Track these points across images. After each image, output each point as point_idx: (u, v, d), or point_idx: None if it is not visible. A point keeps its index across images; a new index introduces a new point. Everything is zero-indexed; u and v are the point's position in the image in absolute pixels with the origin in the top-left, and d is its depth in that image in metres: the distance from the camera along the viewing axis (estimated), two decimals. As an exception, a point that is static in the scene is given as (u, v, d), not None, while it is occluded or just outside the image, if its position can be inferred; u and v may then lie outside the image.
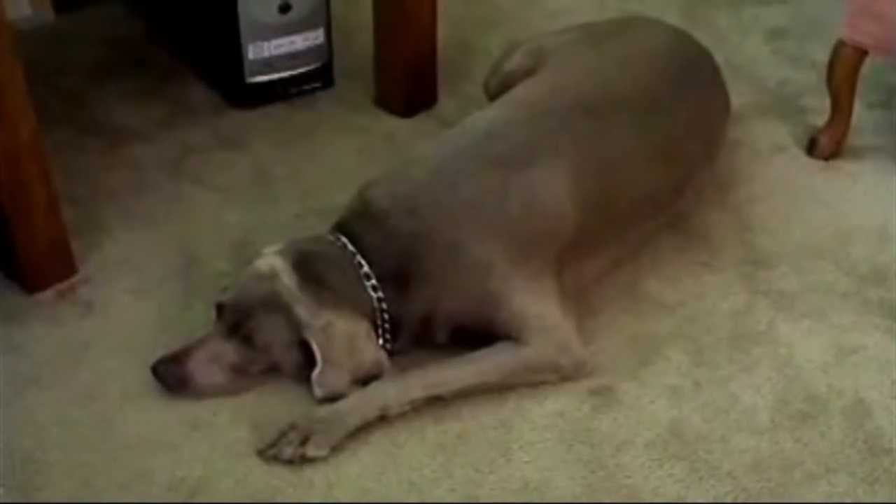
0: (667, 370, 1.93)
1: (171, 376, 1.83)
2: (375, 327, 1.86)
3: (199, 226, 2.24)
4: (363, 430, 1.79)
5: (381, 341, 1.87)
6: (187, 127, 2.52)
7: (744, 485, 1.74)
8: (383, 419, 1.81)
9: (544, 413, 1.84)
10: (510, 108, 2.07)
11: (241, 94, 2.56)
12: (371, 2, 2.50)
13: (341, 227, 1.92)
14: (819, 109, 2.48)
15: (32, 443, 1.79)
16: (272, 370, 1.86)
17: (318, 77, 2.61)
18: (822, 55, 2.41)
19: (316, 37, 2.56)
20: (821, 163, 2.42)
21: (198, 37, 2.63)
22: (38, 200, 2.00)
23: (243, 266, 1.92)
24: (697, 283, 2.10)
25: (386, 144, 2.48)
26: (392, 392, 1.82)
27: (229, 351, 1.83)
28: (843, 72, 2.34)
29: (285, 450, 1.75)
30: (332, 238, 1.91)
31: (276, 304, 1.82)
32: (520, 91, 2.13)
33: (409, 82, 2.53)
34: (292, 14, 2.50)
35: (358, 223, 1.91)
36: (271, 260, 1.87)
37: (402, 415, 1.82)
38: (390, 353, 1.88)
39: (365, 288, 1.85)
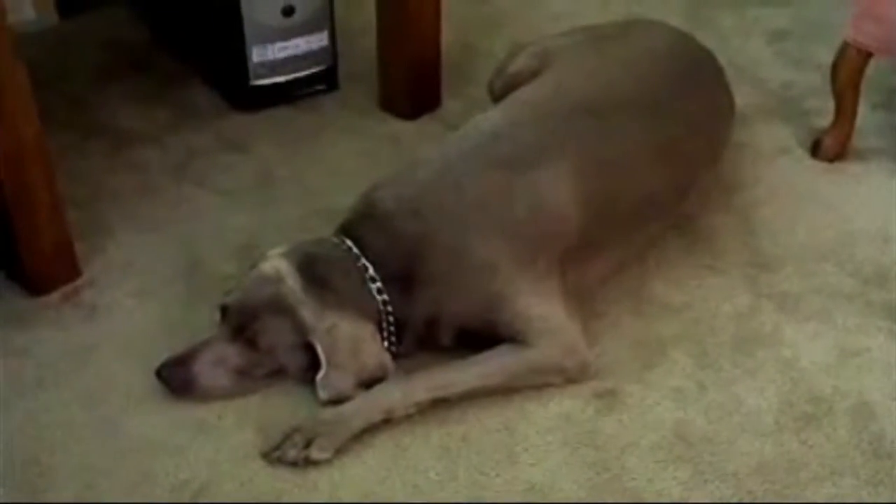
0: (671, 372, 1.93)
1: (176, 379, 1.83)
2: (380, 330, 1.86)
3: (203, 228, 2.24)
4: (368, 432, 1.79)
5: (385, 344, 1.87)
6: (191, 130, 2.52)
7: (748, 487, 1.74)
8: (388, 422, 1.81)
9: (549, 415, 1.84)
10: (514, 110, 2.07)
11: (244, 97, 2.56)
12: (375, 4, 2.50)
13: (346, 230, 1.92)
14: (823, 111, 2.48)
15: (36, 445, 1.79)
16: (277, 373, 1.86)
17: (322, 80, 2.62)
18: (826, 57, 2.41)
19: (320, 39, 2.56)
20: (825, 165, 2.41)
21: (201, 40, 2.64)
22: (42, 203, 2.00)
23: (247, 269, 1.92)
24: (702, 286, 2.10)
25: (390, 147, 2.48)
26: (397, 394, 1.81)
27: (234, 354, 1.83)
28: (847, 73, 2.34)
29: (290, 452, 1.75)
30: (336, 240, 1.90)
31: (280, 307, 1.82)
32: (524, 93, 2.13)
33: (413, 85, 2.53)
34: (296, 17, 2.50)
35: (362, 225, 1.91)
36: (276, 262, 1.87)
37: (407, 417, 1.82)
38: (395, 356, 1.88)
39: (369, 290, 1.85)
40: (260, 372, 1.85)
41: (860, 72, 2.34)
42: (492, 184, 1.90)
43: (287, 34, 2.51)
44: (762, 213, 2.28)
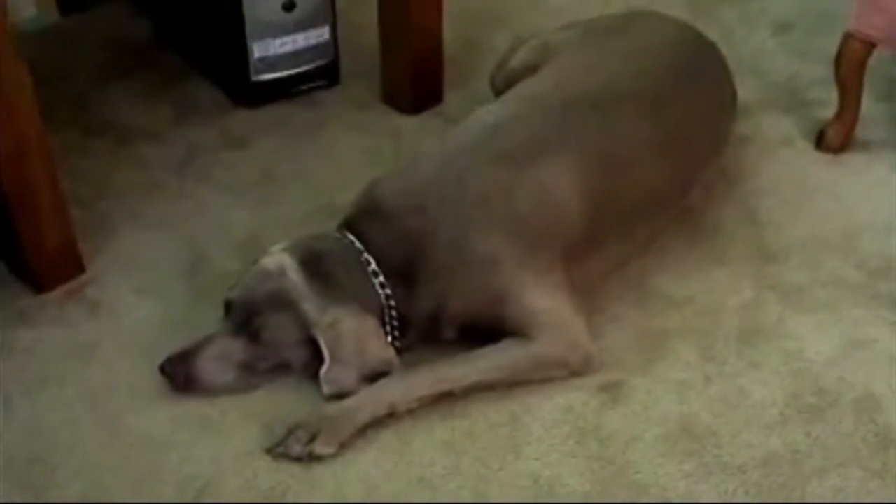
0: (676, 365, 1.92)
1: (180, 375, 1.83)
2: (383, 324, 1.86)
3: (206, 225, 2.24)
4: (371, 427, 1.79)
5: (389, 338, 1.87)
6: (193, 126, 2.52)
7: (754, 479, 1.73)
8: (391, 416, 1.81)
9: (553, 409, 1.84)
10: (516, 104, 2.06)
11: (246, 92, 2.56)
12: (376, -1, 2.51)
13: (348, 225, 1.92)
14: (826, 103, 2.47)
15: (40, 443, 1.79)
16: (280, 368, 1.86)
17: (324, 75, 2.61)
18: (831, 48, 2.40)
19: (321, 35, 2.56)
20: (829, 156, 2.41)
21: (203, 36, 2.63)
22: (45, 201, 2.00)
23: (251, 264, 1.91)
24: (706, 278, 2.09)
25: (392, 142, 2.48)
26: (400, 389, 1.81)
27: (237, 349, 1.83)
28: (850, 65, 2.33)
29: (294, 447, 1.75)
30: (339, 235, 1.90)
31: (283, 302, 1.82)
32: (526, 87, 2.12)
33: (414, 80, 2.53)
34: (297, 12, 2.49)
35: (365, 220, 1.91)
36: (279, 258, 1.86)
37: (411, 412, 1.81)
38: (398, 350, 1.88)
39: (373, 285, 1.85)
40: (263, 367, 1.85)
41: (864, 63, 2.33)
42: (494, 178, 1.89)
43: (288, 29, 2.50)
44: (766, 205, 2.27)
